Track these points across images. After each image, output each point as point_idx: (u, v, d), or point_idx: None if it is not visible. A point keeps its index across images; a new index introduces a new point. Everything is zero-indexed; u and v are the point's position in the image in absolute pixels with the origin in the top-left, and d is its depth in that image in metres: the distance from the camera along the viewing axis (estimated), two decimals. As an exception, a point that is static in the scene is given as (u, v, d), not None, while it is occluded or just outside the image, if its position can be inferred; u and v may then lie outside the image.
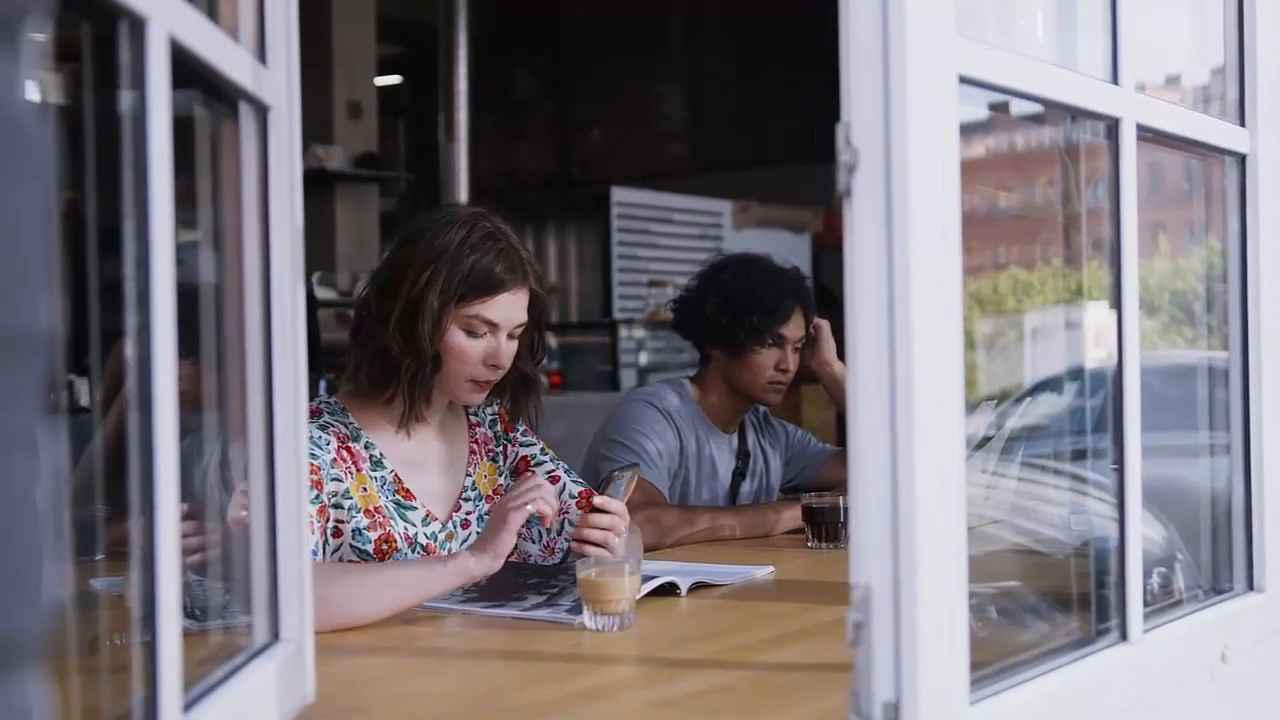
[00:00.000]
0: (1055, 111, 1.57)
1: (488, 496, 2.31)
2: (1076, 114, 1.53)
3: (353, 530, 2.11)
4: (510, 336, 2.18)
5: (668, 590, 2.06)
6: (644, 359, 7.33)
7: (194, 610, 1.33)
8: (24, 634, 0.53)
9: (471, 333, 2.15)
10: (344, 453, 2.12)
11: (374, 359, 2.15)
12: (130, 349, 0.99)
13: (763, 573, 2.31)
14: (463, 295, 2.12)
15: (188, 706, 1.06)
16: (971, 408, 1.28)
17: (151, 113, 0.99)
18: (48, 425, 0.55)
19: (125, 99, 1.00)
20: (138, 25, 0.98)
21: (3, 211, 0.51)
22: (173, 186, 1.01)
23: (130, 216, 0.99)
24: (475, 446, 2.33)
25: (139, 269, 0.99)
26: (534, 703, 1.51)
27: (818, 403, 6.71)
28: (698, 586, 2.14)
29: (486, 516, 2.27)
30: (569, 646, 1.76)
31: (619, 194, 7.82)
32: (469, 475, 2.30)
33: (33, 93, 0.54)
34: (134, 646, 1.32)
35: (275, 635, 1.34)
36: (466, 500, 2.29)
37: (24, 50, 0.53)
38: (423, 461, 2.24)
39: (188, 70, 1.09)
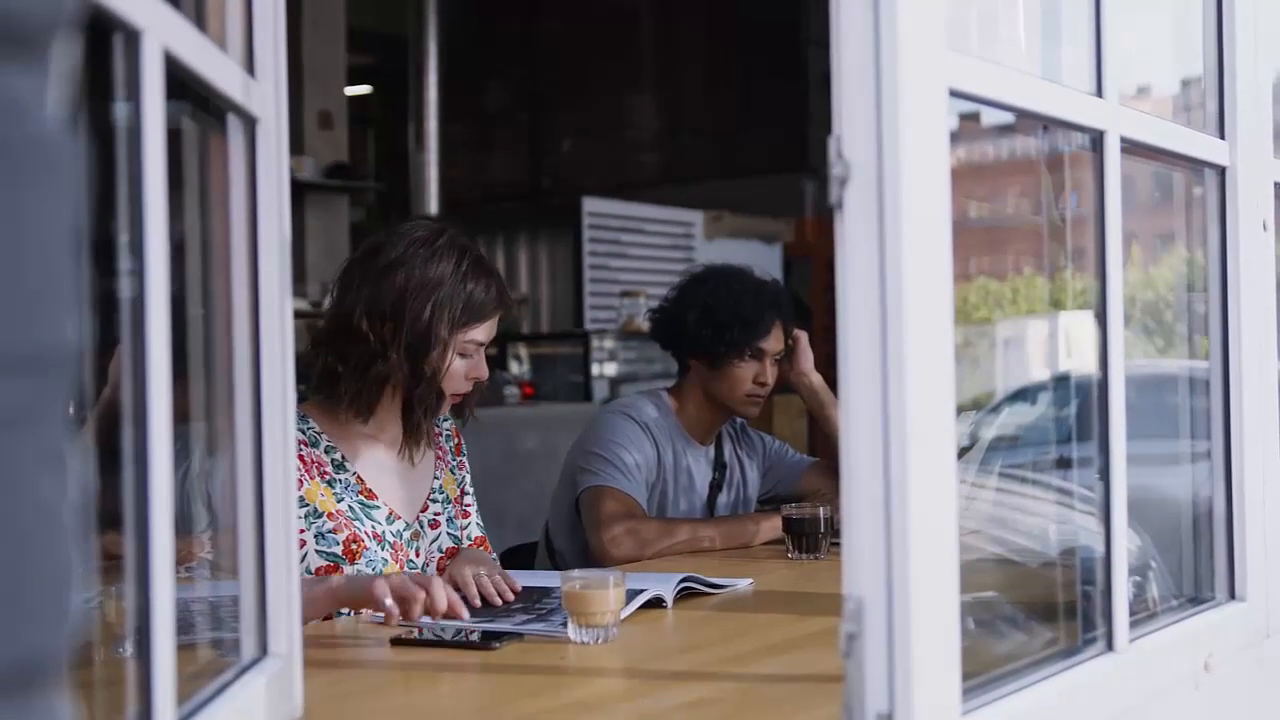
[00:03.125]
0: (1027, 122, 1.58)
1: (454, 500, 2.39)
2: (1063, 126, 1.54)
3: (316, 535, 2.15)
4: (486, 350, 2.30)
5: (653, 602, 2.06)
6: (616, 370, 7.32)
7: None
8: (56, 651, 0.53)
9: (464, 355, 2.24)
10: (297, 459, 2.15)
11: (374, 386, 2.20)
12: (124, 361, 0.98)
13: (744, 584, 2.31)
14: (466, 322, 2.21)
15: (181, 723, 1.05)
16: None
17: (146, 125, 0.98)
18: (74, 442, 0.55)
19: (119, 110, 0.99)
20: (133, 37, 0.97)
21: (34, 228, 0.50)
22: (166, 198, 1.01)
23: (124, 228, 0.98)
24: (440, 452, 2.40)
25: (134, 281, 0.98)
26: (523, 716, 1.51)
27: (789, 412, 6.73)
28: (686, 593, 2.14)
29: (454, 520, 2.37)
30: (555, 659, 1.76)
31: (590, 204, 7.81)
32: (436, 478, 2.37)
33: (60, 108, 0.54)
34: (119, 661, 1.31)
35: (264, 650, 1.33)
36: (435, 501, 2.36)
37: (51, 67, 0.53)
38: (389, 465, 2.29)
39: (177, 82, 1.09)
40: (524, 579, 2.20)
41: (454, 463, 2.42)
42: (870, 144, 1.16)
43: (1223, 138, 1.79)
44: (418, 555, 2.28)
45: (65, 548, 0.54)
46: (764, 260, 7.20)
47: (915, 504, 1.15)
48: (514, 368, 7.35)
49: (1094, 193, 1.51)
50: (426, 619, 1.98)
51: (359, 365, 2.19)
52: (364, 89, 10.30)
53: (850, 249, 1.17)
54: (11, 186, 0.51)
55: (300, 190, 7.29)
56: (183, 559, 1.39)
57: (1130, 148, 1.55)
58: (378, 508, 2.23)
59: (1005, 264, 2.27)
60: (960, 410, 1.87)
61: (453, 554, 2.34)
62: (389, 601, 1.86)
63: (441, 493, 2.36)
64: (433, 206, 8.72)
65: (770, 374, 2.95)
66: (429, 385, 2.20)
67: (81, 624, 0.57)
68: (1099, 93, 1.50)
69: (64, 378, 0.54)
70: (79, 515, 0.55)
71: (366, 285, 2.20)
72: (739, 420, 3.14)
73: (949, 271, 1.21)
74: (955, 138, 1.38)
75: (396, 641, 1.84)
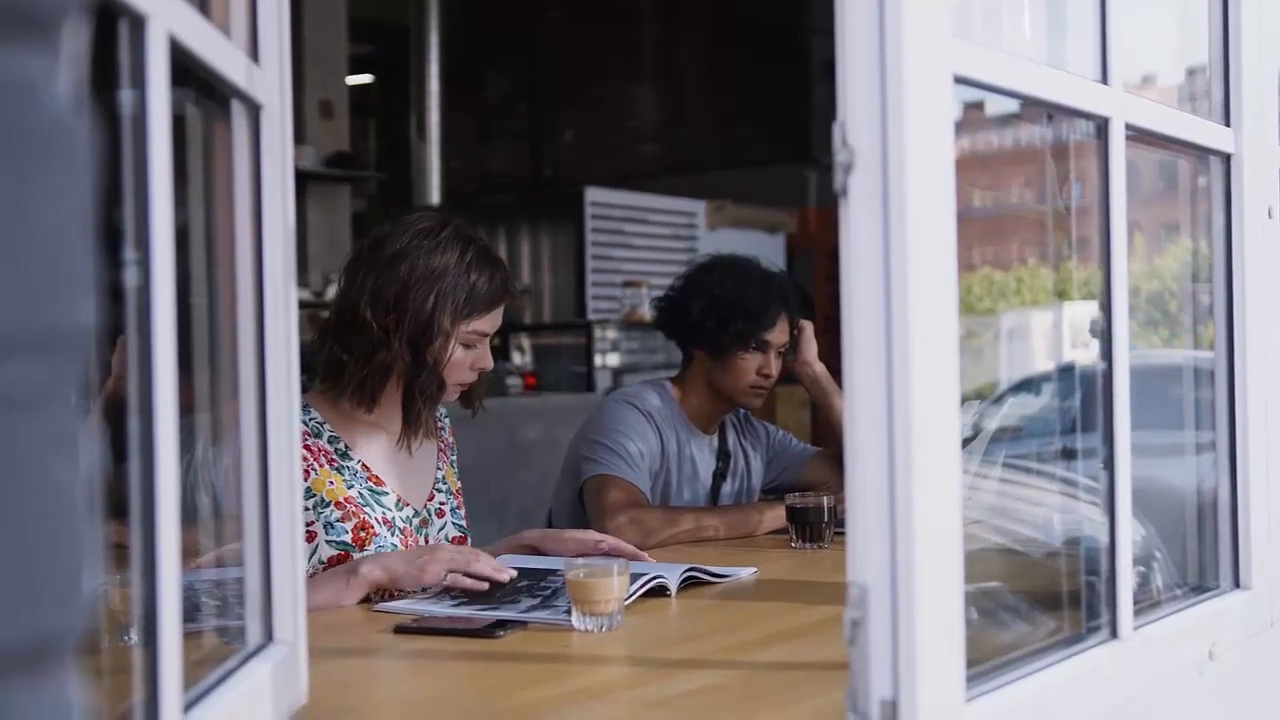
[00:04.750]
0: (1031, 110, 1.58)
1: (455, 492, 2.42)
2: (1068, 114, 1.53)
3: (325, 525, 2.16)
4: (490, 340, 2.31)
5: (656, 591, 2.06)
6: (619, 360, 7.31)
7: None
8: (69, 631, 0.53)
9: (468, 345, 2.25)
10: (302, 450, 2.15)
11: (377, 375, 2.21)
12: (130, 351, 0.98)
13: (747, 573, 2.31)
14: (469, 313, 2.22)
15: (187, 708, 1.05)
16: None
17: (151, 111, 0.98)
18: (86, 423, 0.55)
19: (124, 97, 0.99)
20: (138, 23, 0.97)
21: (49, 209, 0.50)
22: (172, 185, 1.01)
23: (129, 216, 0.98)
24: (442, 445, 2.43)
25: (139, 270, 0.98)
26: (527, 704, 1.51)
27: (791, 403, 6.74)
28: (689, 582, 2.14)
29: (458, 510, 2.41)
30: (559, 648, 1.76)
31: (592, 194, 7.80)
32: (439, 469, 2.40)
33: (72, 90, 0.54)
34: (124, 650, 1.31)
35: (269, 637, 1.34)
36: (439, 491, 2.38)
37: (63, 49, 0.53)
38: (393, 454, 2.31)
39: (181, 68, 1.08)
40: (527, 563, 2.21)
41: (452, 458, 2.46)
42: (875, 130, 1.16)
43: (1228, 125, 1.78)
44: (426, 542, 2.30)
45: (78, 528, 0.54)
46: (767, 251, 7.19)
47: (919, 491, 1.15)
48: (516, 358, 7.35)
49: (1099, 180, 1.51)
50: (430, 608, 1.98)
51: (363, 355, 2.20)
52: (365, 78, 10.30)
53: (855, 235, 1.17)
54: (25, 168, 0.51)
55: (302, 180, 7.29)
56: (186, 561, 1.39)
57: (1135, 135, 1.55)
58: (386, 494, 2.25)
59: (1009, 254, 2.27)
60: (964, 401, 1.87)
61: (459, 543, 2.35)
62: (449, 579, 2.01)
63: (444, 483, 2.40)
64: (434, 197, 8.72)
65: (774, 366, 2.95)
66: (430, 374, 2.21)
67: (95, 605, 0.57)
68: (1104, 80, 1.50)
69: (77, 360, 0.54)
70: (91, 496, 0.55)
71: (371, 276, 2.21)
72: (742, 410, 3.14)
73: (954, 258, 1.21)
74: (959, 127, 1.37)
75: (401, 629, 1.85)
